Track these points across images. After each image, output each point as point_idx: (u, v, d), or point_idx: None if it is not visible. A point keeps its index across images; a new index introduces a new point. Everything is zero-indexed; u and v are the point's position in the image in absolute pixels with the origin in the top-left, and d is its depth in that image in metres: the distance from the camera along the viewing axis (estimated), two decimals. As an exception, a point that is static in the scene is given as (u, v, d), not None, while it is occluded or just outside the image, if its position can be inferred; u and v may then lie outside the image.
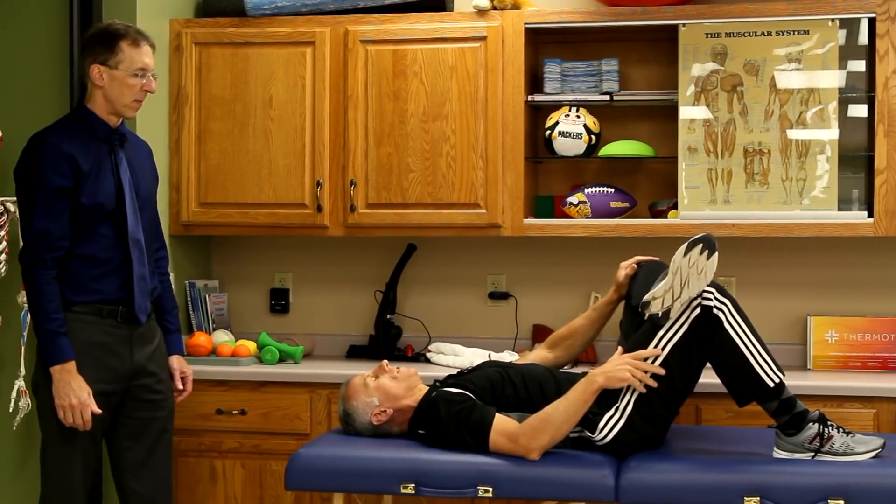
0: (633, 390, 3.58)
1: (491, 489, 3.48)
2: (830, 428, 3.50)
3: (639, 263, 3.99)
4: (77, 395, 3.56)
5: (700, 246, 3.49)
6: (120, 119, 3.76)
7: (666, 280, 3.52)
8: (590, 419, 3.62)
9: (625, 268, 4.00)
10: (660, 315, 3.54)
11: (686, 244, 3.50)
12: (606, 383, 3.56)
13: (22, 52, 4.54)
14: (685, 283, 3.48)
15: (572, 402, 3.54)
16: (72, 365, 3.57)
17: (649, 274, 3.84)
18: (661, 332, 3.56)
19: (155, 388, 3.81)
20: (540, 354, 4.10)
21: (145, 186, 3.82)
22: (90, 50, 3.70)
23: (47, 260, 3.57)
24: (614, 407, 3.60)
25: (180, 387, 3.97)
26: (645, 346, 3.58)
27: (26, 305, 4.05)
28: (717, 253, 3.50)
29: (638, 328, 3.70)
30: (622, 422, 3.59)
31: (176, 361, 3.96)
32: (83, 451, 3.67)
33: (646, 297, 3.57)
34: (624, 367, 3.56)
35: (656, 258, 4.00)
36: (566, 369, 4.13)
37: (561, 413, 3.53)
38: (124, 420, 3.77)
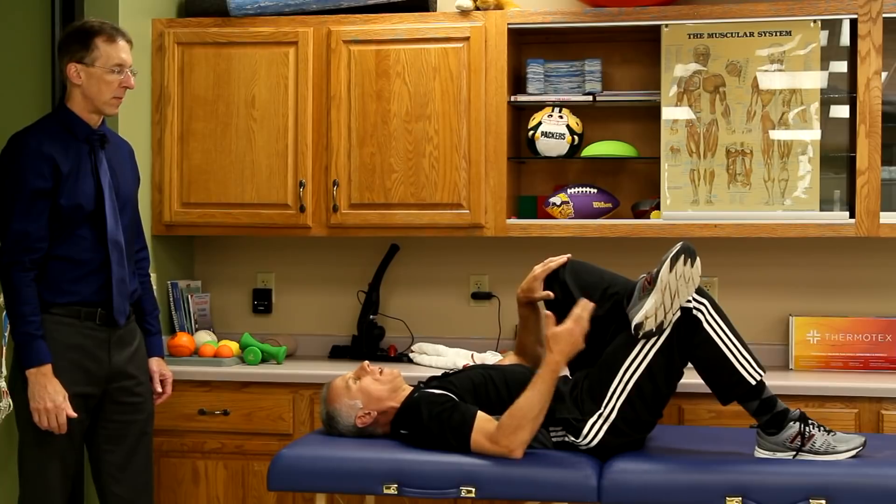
0: (618, 397, 3.58)
1: (474, 489, 3.48)
2: (811, 427, 3.51)
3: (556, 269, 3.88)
4: (52, 399, 3.53)
5: (682, 257, 3.47)
6: (101, 118, 3.74)
7: (655, 298, 3.47)
8: (573, 425, 3.61)
9: (538, 278, 3.86)
10: (654, 330, 3.52)
11: (668, 260, 3.46)
12: (567, 361, 3.58)
13: (3, 53, 4.53)
14: (675, 294, 3.47)
15: (543, 392, 3.53)
16: (48, 368, 3.54)
17: (577, 279, 3.76)
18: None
19: (134, 391, 3.78)
20: (515, 360, 4.07)
21: (126, 188, 3.79)
22: (66, 49, 3.67)
23: (25, 262, 3.55)
24: (597, 413, 3.59)
25: (159, 389, 3.94)
26: (627, 355, 3.57)
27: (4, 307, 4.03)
28: (698, 258, 3.49)
29: (603, 327, 3.69)
30: (606, 427, 3.58)
31: (155, 364, 3.93)
32: (61, 454, 3.64)
33: (637, 320, 3.50)
34: (576, 338, 3.57)
35: (564, 257, 3.89)
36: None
37: (535, 405, 3.52)
38: (104, 423, 3.75)
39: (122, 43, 3.68)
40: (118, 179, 3.75)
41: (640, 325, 3.52)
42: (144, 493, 3.84)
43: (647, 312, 3.50)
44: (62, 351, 3.61)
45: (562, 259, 3.85)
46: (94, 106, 3.68)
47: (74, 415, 3.58)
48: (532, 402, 3.52)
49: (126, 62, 3.69)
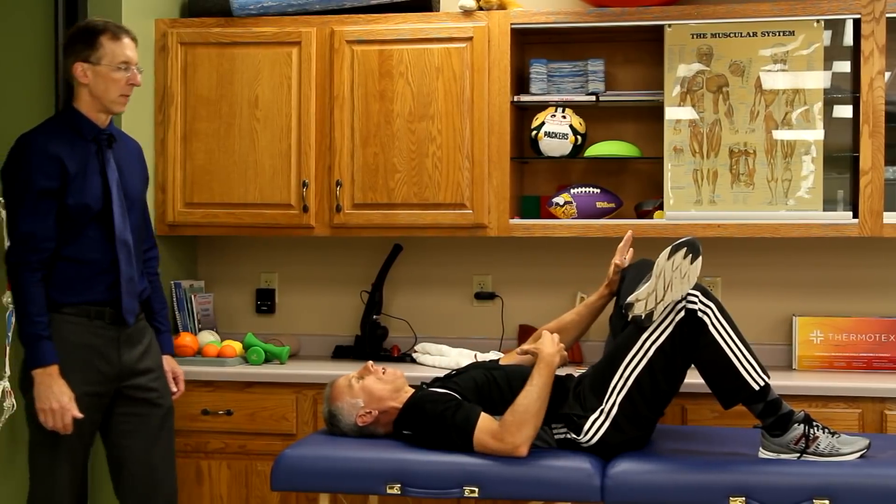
0: (619, 392, 3.59)
1: (477, 489, 3.49)
2: (816, 429, 3.51)
3: (623, 266, 3.97)
4: (58, 399, 3.53)
5: (684, 249, 3.48)
6: (109, 118, 3.75)
7: (649, 283, 3.52)
8: (575, 421, 3.62)
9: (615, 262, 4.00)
10: (643, 317, 3.54)
11: (670, 247, 3.50)
12: (560, 360, 3.70)
13: (7, 53, 4.53)
14: (668, 286, 3.48)
15: (541, 387, 3.58)
16: (54, 369, 3.54)
17: (638, 273, 3.84)
18: (645, 335, 3.57)
19: (149, 386, 3.78)
20: (516, 360, 4.07)
21: (134, 187, 3.80)
22: (72, 49, 3.68)
23: (32, 262, 3.55)
24: (599, 409, 3.61)
25: (174, 388, 3.95)
26: (629, 348, 3.59)
27: (11, 306, 4.03)
28: (700, 257, 3.49)
29: (624, 328, 3.71)
30: (607, 423, 3.60)
31: (166, 363, 3.93)
32: (71, 454, 3.64)
33: (629, 299, 3.57)
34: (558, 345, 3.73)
35: (634, 238, 4.03)
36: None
37: (535, 400, 3.55)
38: (121, 418, 3.74)
39: (126, 41, 3.70)
40: (126, 179, 3.75)
41: (629, 306, 3.56)
42: (160, 489, 3.82)
43: (638, 295, 3.55)
44: (72, 350, 3.61)
45: (626, 235, 4.06)
46: (101, 105, 3.69)
47: (80, 415, 3.58)
48: (532, 397, 3.55)
49: (132, 59, 3.70)
